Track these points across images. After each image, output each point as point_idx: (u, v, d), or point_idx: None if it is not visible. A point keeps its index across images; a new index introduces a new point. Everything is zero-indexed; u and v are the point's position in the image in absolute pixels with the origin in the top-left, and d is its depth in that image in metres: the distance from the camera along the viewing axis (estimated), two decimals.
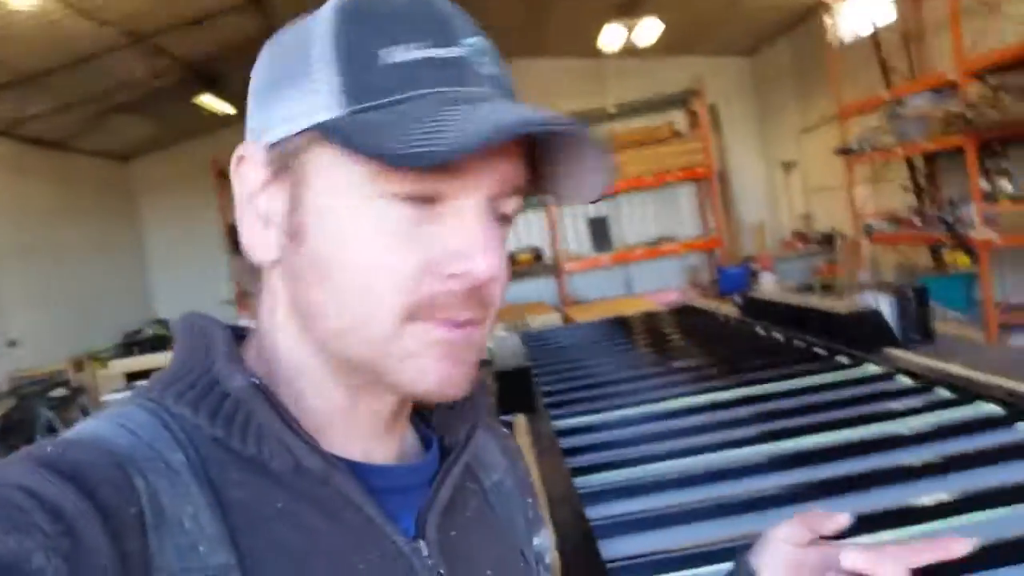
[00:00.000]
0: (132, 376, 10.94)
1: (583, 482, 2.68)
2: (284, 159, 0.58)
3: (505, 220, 0.60)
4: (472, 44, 0.57)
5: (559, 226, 14.84)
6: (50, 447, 0.51)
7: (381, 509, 0.60)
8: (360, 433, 0.63)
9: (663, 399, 3.70)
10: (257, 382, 0.58)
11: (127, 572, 0.47)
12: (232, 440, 0.57)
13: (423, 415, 0.72)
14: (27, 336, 11.71)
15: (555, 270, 14.74)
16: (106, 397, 9.87)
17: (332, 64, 0.55)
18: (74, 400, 10.52)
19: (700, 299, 9.78)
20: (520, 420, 5.04)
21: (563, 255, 14.68)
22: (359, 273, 0.55)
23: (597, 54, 13.42)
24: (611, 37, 11.82)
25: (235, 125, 14.93)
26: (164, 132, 14.51)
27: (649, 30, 11.57)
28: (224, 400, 0.58)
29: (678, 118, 14.42)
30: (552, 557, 0.81)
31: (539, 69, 14.52)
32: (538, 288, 14.93)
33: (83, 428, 0.57)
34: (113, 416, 0.57)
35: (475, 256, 0.55)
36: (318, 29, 0.57)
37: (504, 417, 5.76)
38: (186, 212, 15.70)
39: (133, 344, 13.87)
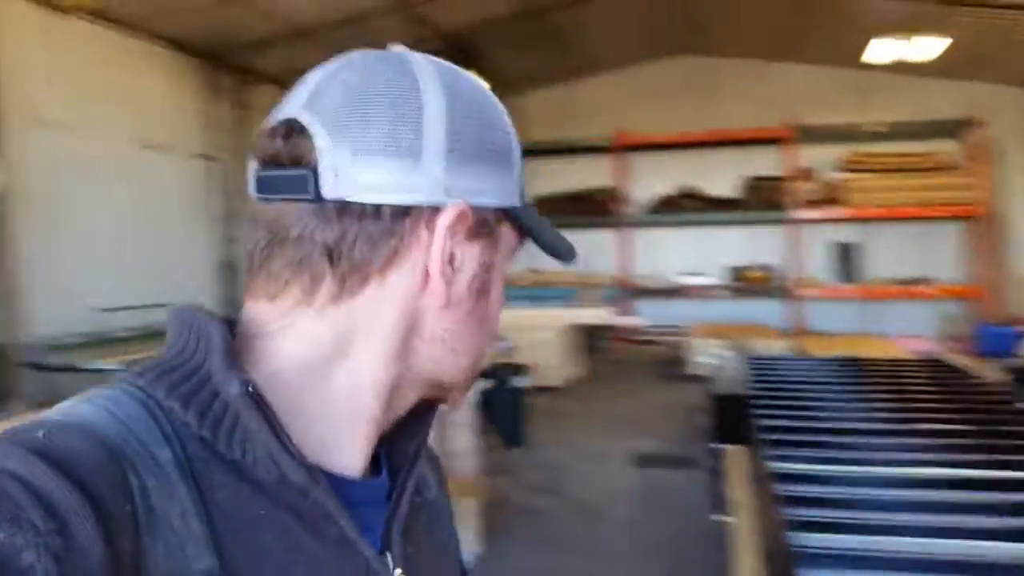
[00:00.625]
0: None
1: (800, 540, 2.34)
2: (484, 225, 0.66)
3: None
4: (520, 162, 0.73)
5: (799, 246, 13.89)
6: (41, 431, 0.50)
7: (354, 523, 0.61)
8: (356, 447, 0.65)
9: (904, 464, 3.21)
10: (251, 390, 0.57)
11: (118, 573, 0.47)
12: (218, 443, 0.57)
13: None
14: None
15: (787, 294, 13.82)
16: None
17: (515, 161, 0.69)
18: None
19: (955, 355, 8.70)
20: (734, 452, 4.70)
21: (800, 279, 13.71)
22: (497, 319, 0.71)
23: (860, 66, 12.31)
24: (880, 51, 10.77)
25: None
26: None
27: (927, 47, 10.40)
28: (214, 400, 0.57)
29: (946, 147, 12.93)
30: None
31: (796, 75, 13.76)
32: (762, 310, 14.10)
33: (71, 409, 0.55)
34: (102, 399, 0.56)
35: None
36: (507, 123, 0.70)
37: (715, 445, 5.50)
38: None
39: None
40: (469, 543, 4.82)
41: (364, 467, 0.67)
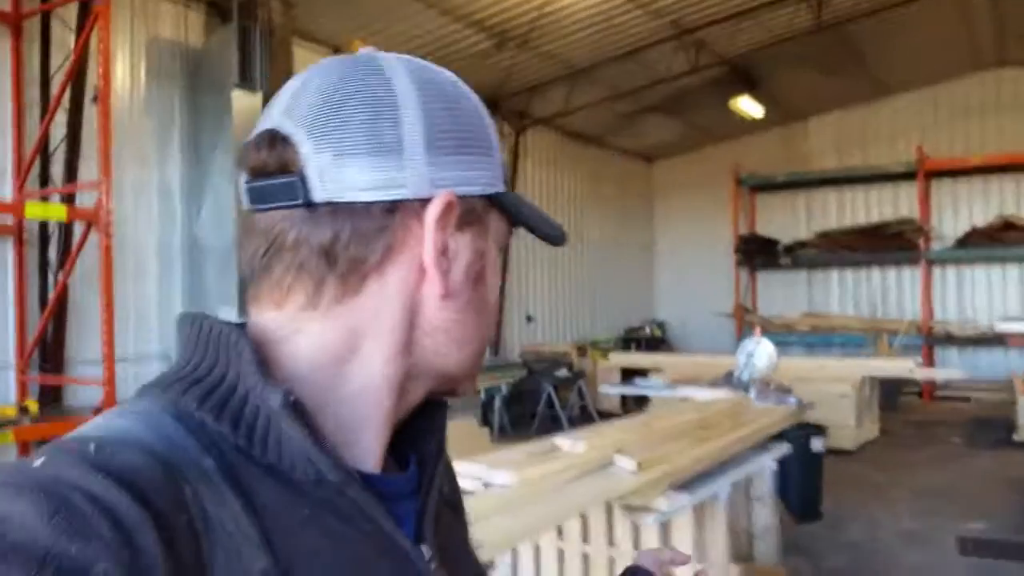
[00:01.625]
0: (627, 372, 11.16)
1: None
2: (472, 214, 0.66)
3: None
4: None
5: None
6: (93, 446, 0.50)
7: (390, 517, 0.62)
8: (370, 445, 0.65)
9: None
10: (294, 399, 0.58)
11: None
12: (254, 449, 0.57)
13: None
14: (542, 315, 12.68)
15: None
16: (603, 387, 10.05)
17: (495, 148, 0.69)
18: (574, 383, 10.95)
19: None
20: None
21: None
22: (495, 307, 0.71)
23: None
24: None
25: (761, 131, 14.34)
26: (689, 134, 14.52)
27: None
28: (244, 408, 0.58)
29: None
30: None
31: None
32: None
33: (112, 425, 0.56)
34: (140, 415, 0.57)
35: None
36: (483, 112, 0.69)
37: None
38: (700, 219, 15.60)
39: (632, 340, 14.25)
40: None
41: (381, 462, 0.67)
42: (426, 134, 0.63)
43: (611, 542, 3.04)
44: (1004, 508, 6.64)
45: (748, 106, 12.07)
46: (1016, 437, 9.22)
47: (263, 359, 0.61)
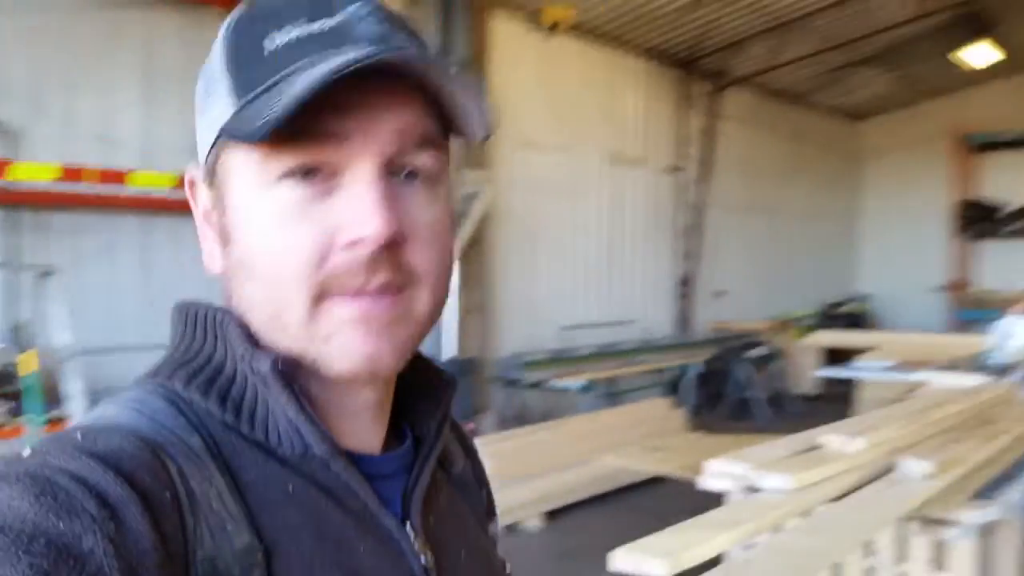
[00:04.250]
0: (831, 352, 10.34)
1: None
2: (211, 171, 0.61)
3: (419, 175, 0.59)
4: (351, 10, 0.58)
5: None
6: (79, 434, 0.52)
7: (375, 495, 0.62)
8: (353, 423, 0.64)
9: None
10: (281, 367, 0.57)
11: (169, 553, 0.49)
12: (242, 425, 0.58)
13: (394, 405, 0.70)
14: (733, 289, 12.00)
15: None
16: (819, 370, 9.31)
17: (223, 69, 0.58)
18: (769, 362, 10.25)
19: None
20: None
21: None
22: (268, 261, 0.57)
23: None
24: None
25: (987, 83, 12.83)
26: (903, 90, 13.19)
27: None
28: (232, 384, 0.59)
29: None
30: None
31: None
32: None
33: (101, 415, 0.57)
34: (128, 402, 0.58)
35: (365, 220, 0.55)
36: (216, 48, 0.60)
37: None
38: (911, 183, 14.21)
39: (833, 316, 13.27)
40: None
41: (378, 444, 0.66)
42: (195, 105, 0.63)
43: (902, 558, 2.60)
44: None
45: (983, 54, 10.75)
46: None
47: (249, 334, 0.60)
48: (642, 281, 10.29)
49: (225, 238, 0.60)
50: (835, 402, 8.67)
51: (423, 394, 0.70)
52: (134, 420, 0.56)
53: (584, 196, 9.29)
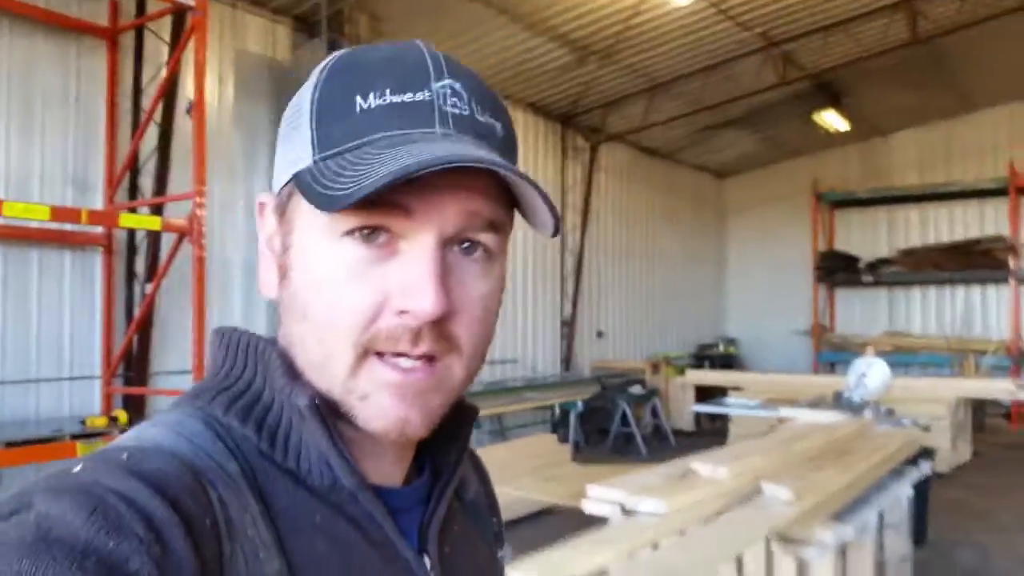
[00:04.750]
0: (701, 389, 10.89)
1: None
2: (281, 206, 0.63)
3: (478, 249, 0.60)
4: (444, 86, 0.59)
5: None
6: (126, 454, 0.53)
7: (396, 527, 0.63)
8: (380, 460, 0.65)
9: None
10: (319, 402, 0.59)
11: None
12: (275, 453, 0.60)
13: None
14: (613, 330, 12.47)
15: None
16: (693, 407, 9.73)
17: (310, 117, 0.60)
18: (648, 400, 10.69)
19: None
20: None
21: None
22: (323, 310, 0.59)
23: None
24: None
25: (839, 147, 13.96)
26: (765, 150, 14.21)
27: None
28: (268, 412, 0.61)
29: None
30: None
31: None
32: None
33: (142, 435, 0.58)
34: (169, 424, 0.59)
35: (420, 292, 0.56)
36: (308, 85, 0.62)
37: None
38: (774, 235, 15.24)
39: (704, 357, 13.93)
40: None
41: (400, 477, 0.68)
42: (278, 135, 0.65)
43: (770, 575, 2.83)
44: None
45: (832, 120, 11.75)
46: None
47: (291, 367, 0.62)
48: (530, 321, 10.60)
49: (284, 275, 0.62)
50: (710, 436, 9.15)
51: (443, 426, 0.67)
52: (175, 443, 0.57)
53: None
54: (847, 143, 13.83)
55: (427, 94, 0.58)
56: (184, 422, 0.59)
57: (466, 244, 0.59)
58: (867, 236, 14.41)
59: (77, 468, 0.51)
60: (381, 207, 0.55)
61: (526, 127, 10.36)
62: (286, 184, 0.62)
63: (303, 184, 0.58)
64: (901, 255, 13.48)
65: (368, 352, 0.58)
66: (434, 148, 0.54)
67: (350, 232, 0.57)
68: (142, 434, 0.58)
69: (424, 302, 0.56)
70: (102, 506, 0.47)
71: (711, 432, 9.52)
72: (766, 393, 8.79)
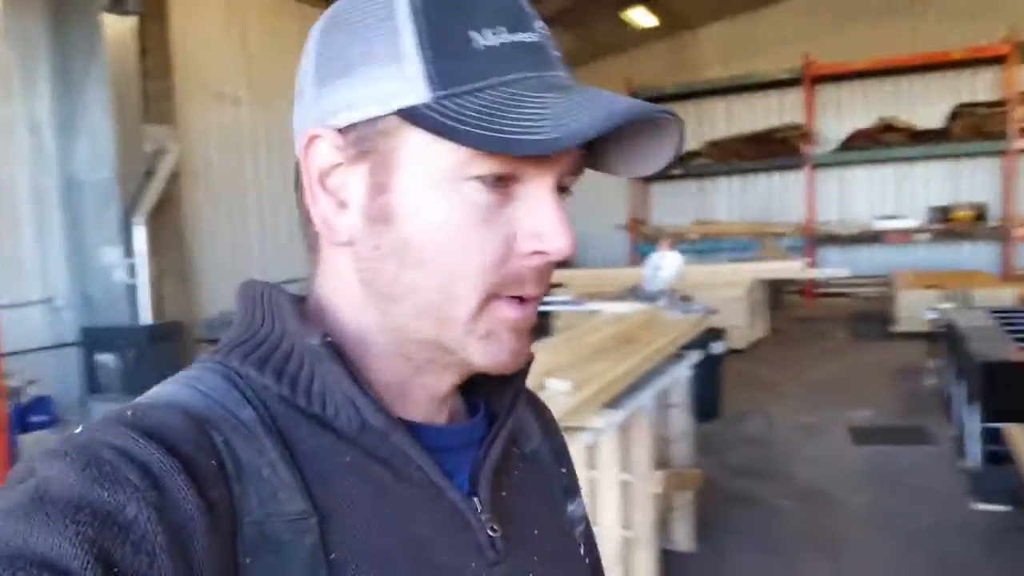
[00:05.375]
0: None
1: None
2: (364, 142, 0.58)
3: (565, 193, 0.61)
4: (543, 29, 0.59)
5: (1016, 181, 12.16)
6: (130, 411, 0.53)
7: (438, 467, 0.61)
8: (417, 403, 0.65)
9: None
10: (331, 340, 0.58)
11: (215, 518, 0.50)
12: (298, 398, 0.59)
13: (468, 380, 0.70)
14: None
15: (1002, 234, 12.19)
16: None
17: (419, 47, 0.56)
18: None
19: None
20: (1017, 432, 3.82)
21: (1017, 218, 12.04)
22: (452, 254, 0.57)
23: None
24: None
25: (651, 43, 14.37)
26: (577, 48, 14.37)
27: None
28: (288, 360, 0.60)
29: None
30: (582, 529, 0.79)
31: None
32: (975, 255, 12.57)
33: (158, 392, 0.59)
34: (185, 379, 0.59)
35: (554, 236, 0.57)
36: (401, 12, 0.57)
37: (990, 424, 4.59)
38: None
39: None
40: (683, 540, 4.19)
41: (444, 419, 0.67)
42: (316, 69, 0.60)
43: None
44: (888, 396, 7.16)
45: (641, 17, 12.05)
46: (894, 328, 9.90)
47: (305, 311, 0.64)
48: None
49: (381, 219, 0.58)
50: (537, 332, 9.55)
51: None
52: (188, 396, 0.57)
53: (289, 152, 9.18)
54: (658, 39, 14.24)
55: (535, 36, 0.58)
56: (202, 376, 0.59)
57: (562, 188, 0.60)
58: None
59: (79, 429, 0.52)
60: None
61: None
62: (376, 118, 0.57)
63: (433, 123, 0.54)
64: (708, 147, 14.23)
65: (493, 296, 0.58)
66: (592, 97, 0.54)
67: (479, 177, 0.56)
68: (158, 391, 0.59)
69: (562, 243, 0.57)
70: (95, 460, 0.48)
71: (538, 328, 9.91)
72: (587, 287, 9.26)
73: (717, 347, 6.39)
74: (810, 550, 4.20)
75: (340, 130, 0.59)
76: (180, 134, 7.36)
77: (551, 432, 0.81)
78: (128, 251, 6.58)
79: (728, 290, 9.10)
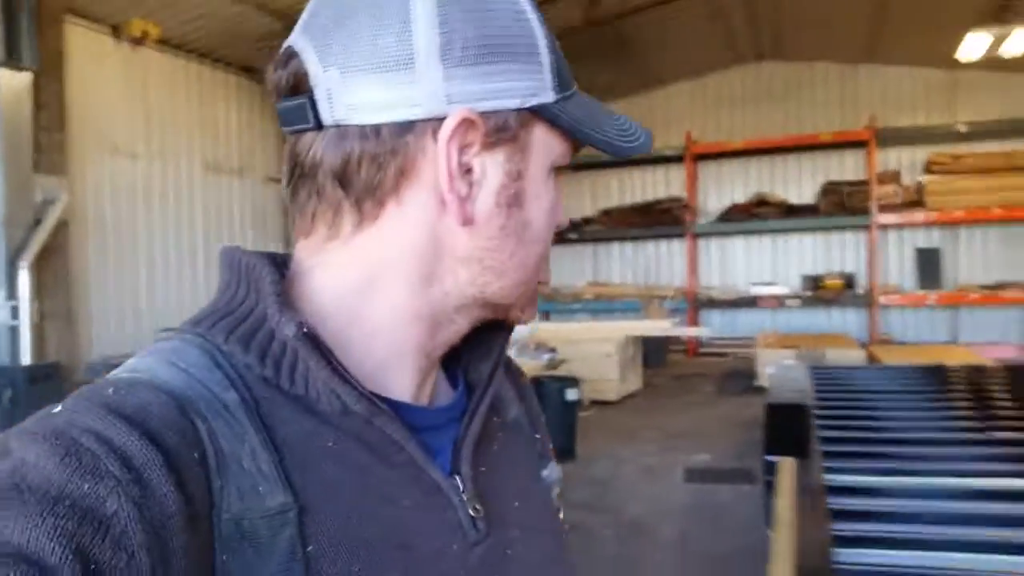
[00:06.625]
0: None
1: (846, 557, 2.12)
2: (505, 131, 0.60)
3: None
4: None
5: (880, 253, 13.27)
6: (111, 388, 0.52)
7: (421, 447, 0.61)
8: (403, 381, 0.64)
9: (969, 474, 2.90)
10: (308, 331, 0.57)
11: (193, 515, 0.49)
12: (281, 381, 0.57)
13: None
14: None
15: (866, 302, 13.22)
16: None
17: (547, 51, 0.61)
18: None
19: None
20: (787, 464, 4.39)
21: (880, 287, 13.11)
22: (547, 233, 0.66)
23: (951, 65, 11.75)
24: (975, 45, 10.15)
25: None
26: None
27: (1021, 40, 9.77)
28: (272, 340, 0.58)
29: None
30: (557, 491, 0.81)
31: (883, 77, 13.28)
32: (844, 320, 13.56)
33: (137, 365, 0.57)
34: (164, 352, 0.57)
35: (562, 215, 0.68)
36: (531, 15, 0.61)
37: (770, 457, 5.17)
38: None
39: None
40: None
41: (427, 393, 0.67)
42: (442, 45, 0.57)
43: None
44: (729, 442, 7.76)
45: None
46: (756, 384, 10.64)
47: (289, 291, 0.62)
48: None
49: (515, 202, 0.62)
50: None
51: (476, 341, 0.70)
52: (168, 374, 0.55)
53: (183, 203, 9.48)
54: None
55: (555, 56, 0.64)
56: (181, 350, 0.58)
57: None
58: (574, 199, 15.88)
59: (58, 408, 0.50)
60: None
61: (240, 89, 10.40)
62: (516, 110, 0.60)
63: (565, 122, 0.63)
64: (601, 215, 15.07)
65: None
66: (608, 109, 0.69)
67: (559, 168, 0.66)
68: (137, 365, 0.57)
69: (564, 221, 0.69)
70: (75, 448, 0.46)
71: None
72: None
73: (571, 394, 6.92)
74: (615, 571, 4.71)
75: (482, 115, 0.59)
76: (73, 185, 7.65)
77: (527, 398, 0.82)
78: (11, 294, 6.80)
79: (601, 345, 9.69)
